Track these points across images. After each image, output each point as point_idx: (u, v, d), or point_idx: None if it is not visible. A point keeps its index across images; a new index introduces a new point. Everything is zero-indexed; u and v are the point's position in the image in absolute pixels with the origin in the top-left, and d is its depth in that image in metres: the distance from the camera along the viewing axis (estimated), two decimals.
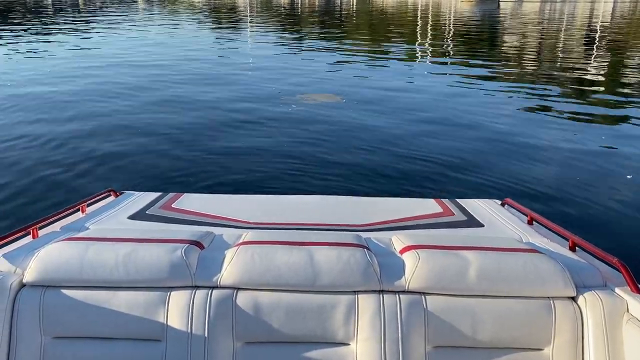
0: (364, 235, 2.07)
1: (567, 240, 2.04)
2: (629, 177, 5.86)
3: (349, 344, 1.66)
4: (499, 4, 59.61)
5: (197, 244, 1.82)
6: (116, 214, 2.34)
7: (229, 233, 2.04)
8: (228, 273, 1.69)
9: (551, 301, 1.66)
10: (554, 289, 1.67)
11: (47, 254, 1.71)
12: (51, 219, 2.15)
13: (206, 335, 1.62)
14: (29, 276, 1.68)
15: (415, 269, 1.69)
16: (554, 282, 1.67)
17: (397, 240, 1.91)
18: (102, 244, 1.76)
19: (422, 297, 1.67)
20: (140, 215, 2.33)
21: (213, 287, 1.71)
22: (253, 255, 1.72)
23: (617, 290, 1.69)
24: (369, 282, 1.68)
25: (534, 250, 1.80)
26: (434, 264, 1.69)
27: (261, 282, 1.67)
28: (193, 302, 1.65)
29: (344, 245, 1.79)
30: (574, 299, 1.69)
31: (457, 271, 1.67)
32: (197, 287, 1.71)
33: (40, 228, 2.12)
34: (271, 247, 1.76)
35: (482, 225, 2.27)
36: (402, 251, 1.81)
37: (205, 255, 1.77)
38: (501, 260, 1.71)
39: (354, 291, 1.69)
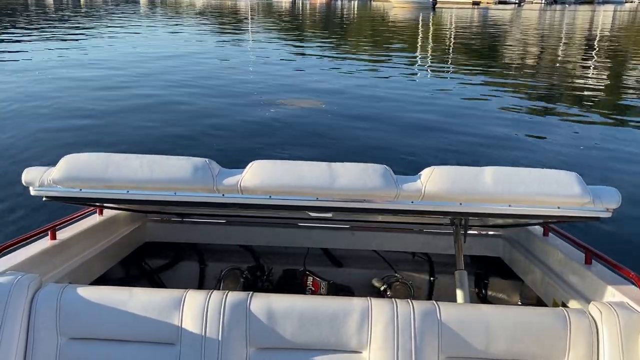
0: None
1: (583, 252, 2.03)
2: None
3: (361, 352, 1.65)
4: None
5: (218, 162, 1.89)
6: None
7: None
8: (249, 175, 1.72)
9: (566, 312, 1.66)
10: (569, 195, 1.69)
11: (72, 157, 1.75)
12: (69, 220, 2.18)
13: (220, 339, 1.62)
14: (55, 174, 1.70)
15: (431, 175, 1.74)
16: (570, 187, 1.69)
17: None
18: (127, 154, 1.81)
19: (436, 306, 1.66)
20: None
21: (233, 201, 1.75)
22: (274, 162, 1.77)
23: (633, 304, 1.68)
24: (386, 186, 1.71)
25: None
26: (449, 172, 1.74)
27: (281, 184, 1.70)
28: (207, 306, 1.65)
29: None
30: (589, 310, 1.68)
31: (472, 176, 1.73)
32: (219, 203, 1.75)
33: (58, 230, 2.14)
34: (290, 160, 1.82)
35: None
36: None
37: (226, 170, 1.83)
38: (517, 169, 1.77)
39: (367, 298, 1.69)
